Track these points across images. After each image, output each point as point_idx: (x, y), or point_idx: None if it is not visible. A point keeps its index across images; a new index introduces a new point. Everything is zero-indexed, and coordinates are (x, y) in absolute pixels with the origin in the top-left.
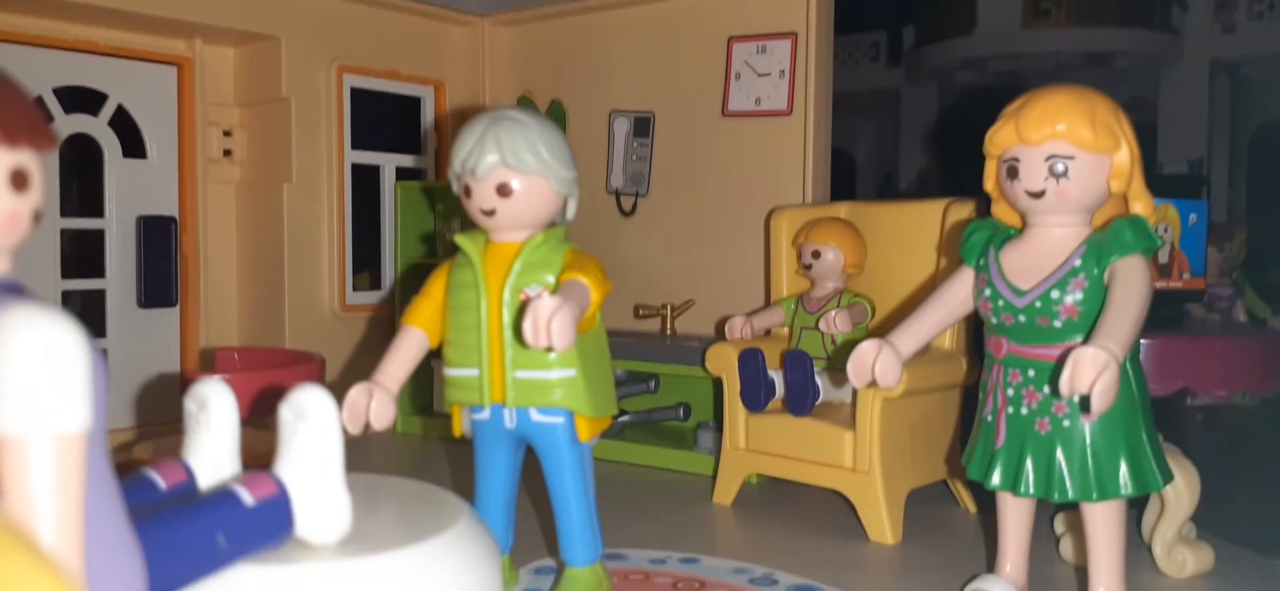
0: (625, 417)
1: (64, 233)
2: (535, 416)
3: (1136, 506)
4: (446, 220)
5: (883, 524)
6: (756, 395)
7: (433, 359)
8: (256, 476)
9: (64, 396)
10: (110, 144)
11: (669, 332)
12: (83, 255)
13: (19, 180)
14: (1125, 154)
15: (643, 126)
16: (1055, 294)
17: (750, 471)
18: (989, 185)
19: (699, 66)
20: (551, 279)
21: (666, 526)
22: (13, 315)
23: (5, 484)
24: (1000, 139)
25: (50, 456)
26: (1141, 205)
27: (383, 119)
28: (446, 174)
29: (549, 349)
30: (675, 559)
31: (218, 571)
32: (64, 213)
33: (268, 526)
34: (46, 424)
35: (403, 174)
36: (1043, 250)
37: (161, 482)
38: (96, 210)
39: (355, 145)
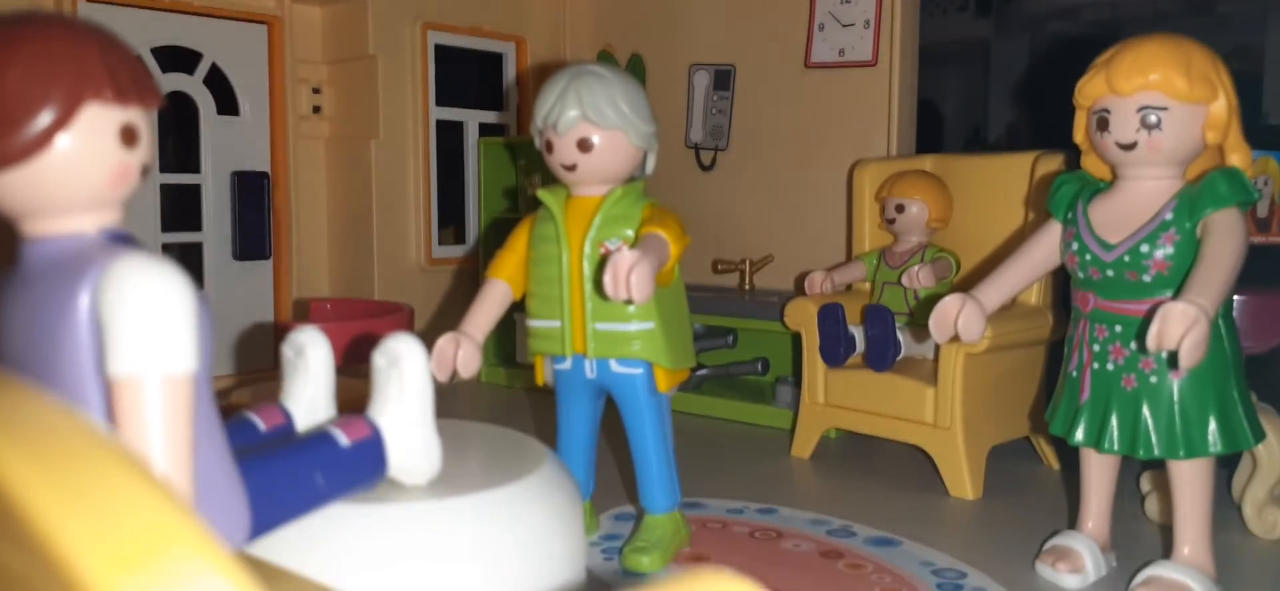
0: (704, 371)
1: (163, 187)
2: (615, 367)
3: (1227, 466)
4: (528, 175)
5: (964, 479)
6: (836, 350)
7: (516, 311)
8: (351, 419)
9: (173, 340)
10: (205, 101)
11: (748, 287)
12: (180, 209)
13: (129, 136)
14: (1222, 104)
15: (723, 79)
16: (1145, 248)
17: (829, 426)
18: (1078, 137)
19: (781, 17)
20: (630, 233)
21: (745, 478)
22: (126, 264)
23: (121, 421)
24: (1090, 90)
25: (160, 396)
26: (1238, 157)
27: (466, 75)
28: (528, 129)
29: (628, 301)
30: (753, 509)
31: (316, 508)
32: (162, 168)
33: (362, 467)
34: (157, 366)
35: (485, 129)
36: (1133, 203)
37: (262, 425)
38: (193, 166)
39: (439, 101)
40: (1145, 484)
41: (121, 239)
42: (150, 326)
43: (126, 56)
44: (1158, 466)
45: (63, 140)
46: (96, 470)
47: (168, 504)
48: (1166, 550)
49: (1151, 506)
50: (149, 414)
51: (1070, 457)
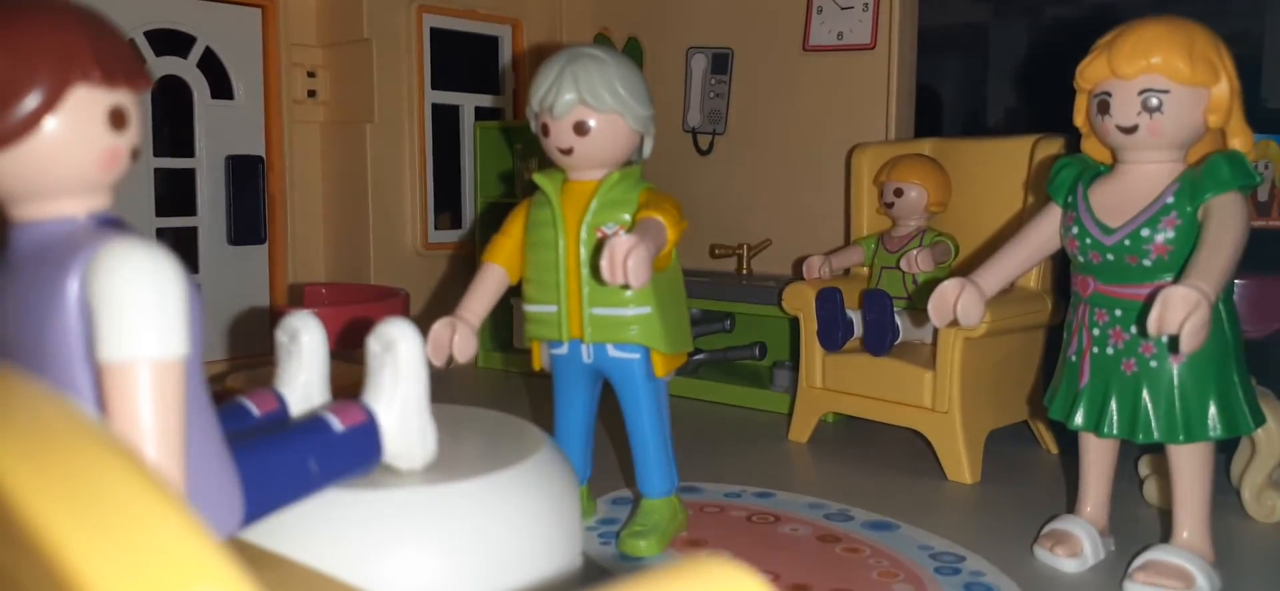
0: (701, 356)
1: (157, 172)
2: (612, 352)
3: (1225, 450)
4: (524, 159)
5: (961, 463)
6: (834, 334)
7: (512, 296)
8: (346, 405)
9: (163, 325)
10: (199, 85)
11: (745, 272)
12: (175, 193)
13: (118, 119)
14: (1224, 87)
15: (721, 63)
16: (1145, 232)
17: (827, 410)
18: (1079, 120)
19: (779, 0)
20: (627, 217)
21: (742, 462)
22: (115, 249)
23: (111, 408)
24: (1091, 72)
25: (151, 381)
26: (1240, 141)
27: (461, 59)
28: (524, 113)
29: (625, 286)
30: (750, 493)
31: (309, 494)
32: (157, 152)
33: (357, 452)
34: (147, 350)
35: (481, 113)
36: (1134, 187)
37: (255, 410)
38: (187, 150)
39: (435, 85)
40: (1144, 468)
41: (111, 223)
42: (140, 311)
43: (115, 39)
44: (1156, 450)
45: (50, 123)
46: (96, 473)
47: (159, 492)
48: (1165, 534)
49: (1150, 490)
50: (139, 400)
51: (1069, 442)
